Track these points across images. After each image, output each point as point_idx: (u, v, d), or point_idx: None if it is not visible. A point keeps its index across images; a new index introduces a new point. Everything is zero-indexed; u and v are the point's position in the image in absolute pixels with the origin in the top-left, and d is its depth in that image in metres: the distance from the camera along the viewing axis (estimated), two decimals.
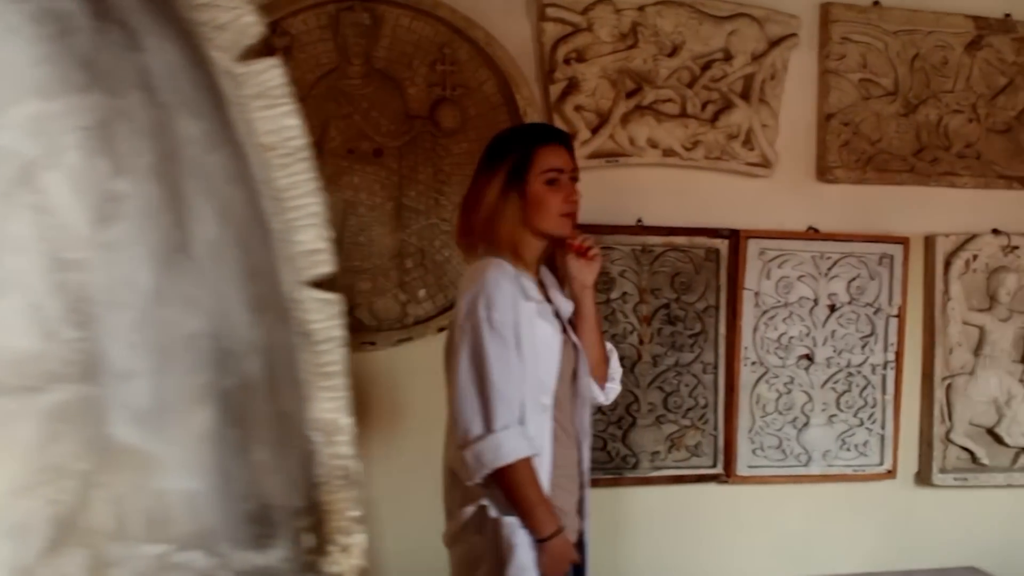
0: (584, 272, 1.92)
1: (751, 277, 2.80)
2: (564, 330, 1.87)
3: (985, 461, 3.00)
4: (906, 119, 2.94)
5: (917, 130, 2.95)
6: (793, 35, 2.82)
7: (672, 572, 2.81)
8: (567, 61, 2.66)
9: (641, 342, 2.75)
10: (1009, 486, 3.04)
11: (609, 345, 2.02)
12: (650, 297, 2.75)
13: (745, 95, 2.79)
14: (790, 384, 2.85)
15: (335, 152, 2.54)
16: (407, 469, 2.60)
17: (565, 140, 1.92)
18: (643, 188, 2.76)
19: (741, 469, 2.81)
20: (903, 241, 2.91)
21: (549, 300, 1.89)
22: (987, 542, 3.05)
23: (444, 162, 2.61)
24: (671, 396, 2.76)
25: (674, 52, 2.73)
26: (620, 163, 2.71)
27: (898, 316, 2.92)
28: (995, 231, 3.04)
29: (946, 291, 2.96)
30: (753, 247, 2.80)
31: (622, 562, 2.77)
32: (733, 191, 2.82)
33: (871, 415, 2.91)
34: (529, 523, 1.73)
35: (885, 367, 2.91)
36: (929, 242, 2.99)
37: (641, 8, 2.70)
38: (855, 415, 2.90)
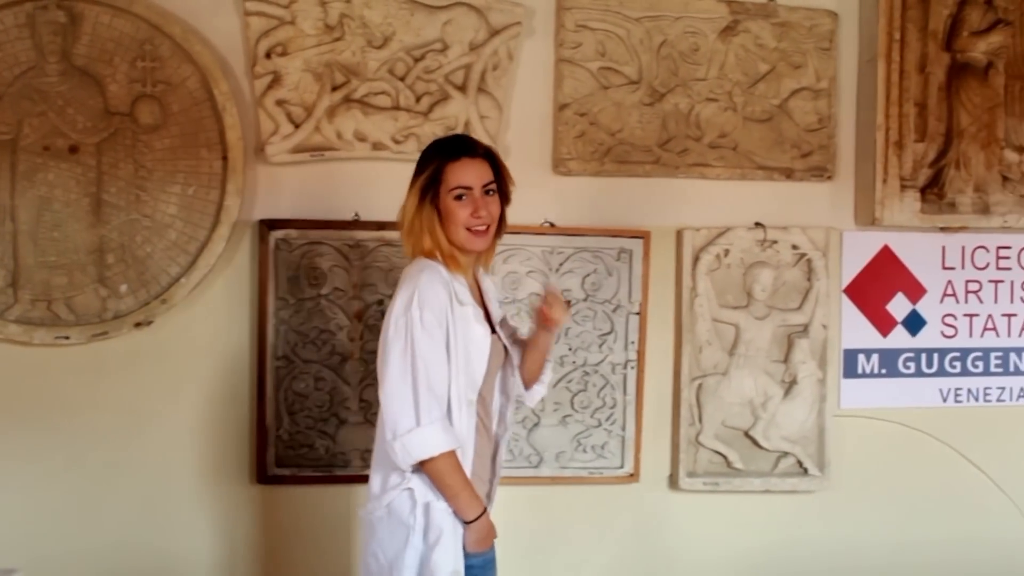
0: (546, 328, 2.13)
1: None
2: (493, 331, 2.04)
3: (739, 465, 2.88)
4: (651, 108, 2.85)
5: (664, 120, 2.86)
6: (517, 24, 2.73)
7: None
8: (268, 55, 2.64)
9: (352, 339, 2.71)
10: (767, 492, 2.90)
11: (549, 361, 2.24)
12: (363, 293, 2.70)
13: (464, 86, 2.71)
14: None
15: (29, 149, 2.59)
16: (106, 464, 2.62)
17: (481, 153, 2.01)
18: (360, 183, 2.75)
19: None
20: (643, 235, 2.82)
21: (484, 302, 2.07)
22: (740, 549, 2.92)
23: (146, 158, 2.63)
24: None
25: (384, 44, 2.68)
26: (327, 157, 2.70)
27: (639, 314, 2.80)
28: (758, 224, 2.90)
29: (694, 287, 2.84)
30: None
31: (337, 561, 2.73)
32: None
33: (610, 416, 2.82)
34: (456, 507, 1.91)
35: (626, 366, 2.81)
36: (679, 236, 2.86)
37: (348, 0, 2.65)
38: (592, 416, 2.80)
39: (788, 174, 2.94)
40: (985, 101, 3.02)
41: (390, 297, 2.63)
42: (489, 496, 2.08)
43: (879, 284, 3.04)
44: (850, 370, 3.02)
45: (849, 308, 3.02)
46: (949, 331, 3.10)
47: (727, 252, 2.90)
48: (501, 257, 2.80)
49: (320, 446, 2.73)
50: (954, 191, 3.00)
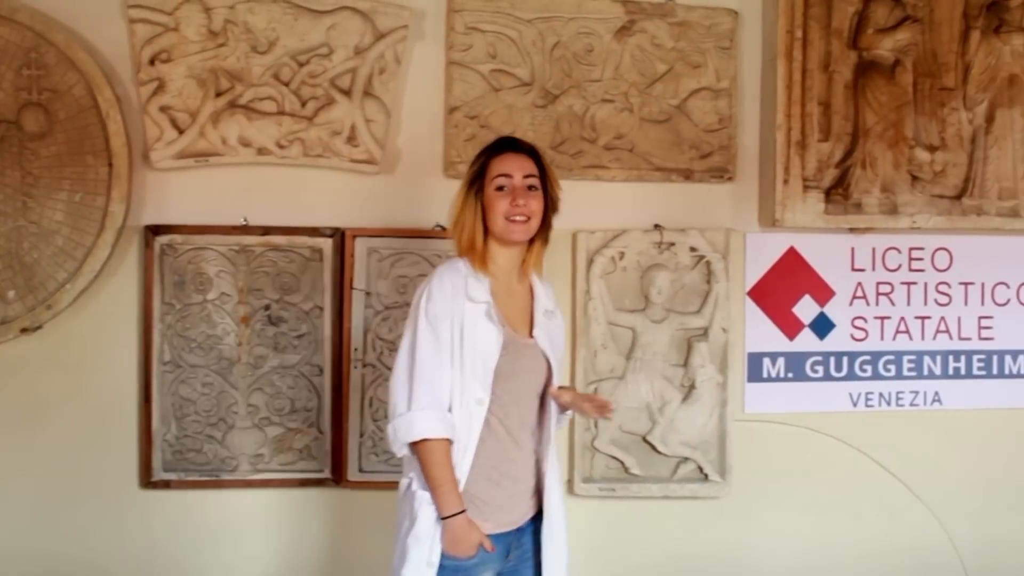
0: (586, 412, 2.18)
1: (360, 277, 2.73)
2: (531, 334, 2.08)
3: (637, 471, 2.85)
4: (544, 110, 2.83)
5: (557, 122, 2.84)
6: (403, 27, 2.73)
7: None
8: (152, 62, 2.66)
9: (239, 343, 2.70)
10: (666, 497, 2.86)
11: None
12: (250, 298, 2.70)
13: (350, 91, 2.70)
14: None
15: None
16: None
17: (522, 149, 2.09)
18: (247, 188, 2.76)
19: (352, 474, 2.76)
20: None
21: (531, 308, 2.11)
22: (640, 556, 2.88)
23: (32, 165, 2.66)
24: (275, 398, 2.71)
25: (268, 49, 2.68)
26: (212, 163, 2.71)
27: None
28: (657, 226, 2.86)
29: (588, 290, 2.82)
30: (361, 246, 2.73)
31: (221, 565, 2.74)
32: (345, 188, 2.78)
33: None
34: (435, 499, 1.95)
35: None
36: (575, 239, 2.83)
37: (232, 6, 2.66)
38: None
39: (687, 175, 2.91)
40: (892, 99, 2.96)
41: (277, 302, 2.67)
42: (520, 507, 2.05)
43: (785, 286, 3.00)
44: (755, 374, 2.98)
45: (753, 311, 2.98)
46: (859, 334, 3.04)
47: (622, 255, 2.87)
48: (389, 261, 2.79)
49: (208, 450, 2.74)
50: (860, 191, 2.95)
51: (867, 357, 3.05)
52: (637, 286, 2.89)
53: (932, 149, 3.01)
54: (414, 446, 1.95)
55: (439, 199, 2.81)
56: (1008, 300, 3.12)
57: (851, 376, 3.04)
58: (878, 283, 3.06)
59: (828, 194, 2.95)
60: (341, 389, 2.76)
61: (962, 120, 3.04)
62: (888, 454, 3.06)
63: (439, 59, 2.83)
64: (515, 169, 2.04)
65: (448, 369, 1.96)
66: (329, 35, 2.74)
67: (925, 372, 3.08)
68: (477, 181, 2.06)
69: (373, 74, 2.76)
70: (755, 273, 2.98)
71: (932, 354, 3.09)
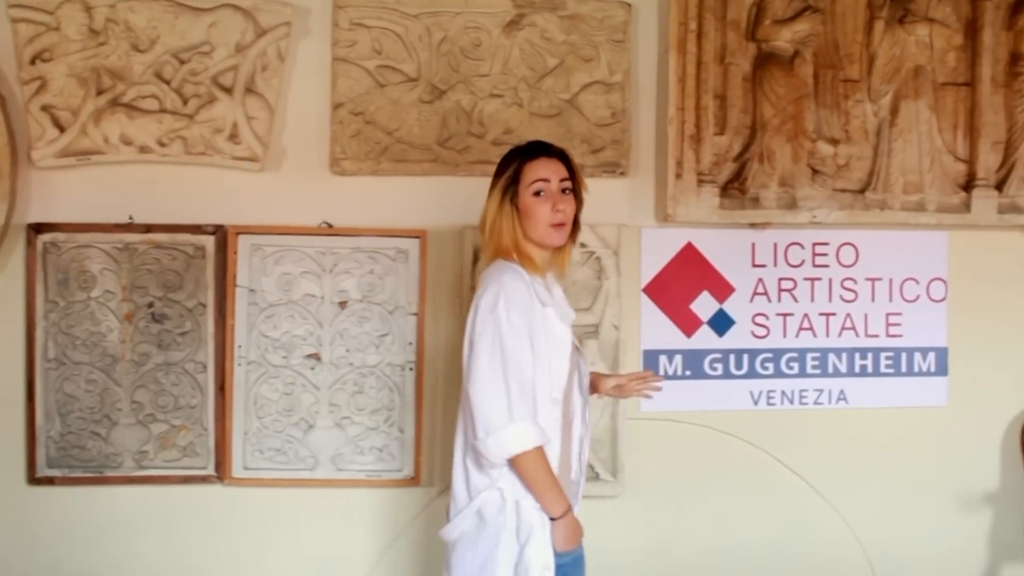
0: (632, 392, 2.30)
1: (243, 274, 2.74)
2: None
3: None
4: (430, 106, 2.81)
5: (444, 117, 2.82)
6: (286, 24, 2.72)
7: (164, 574, 2.76)
8: (34, 61, 2.69)
9: (123, 341, 2.71)
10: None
11: None
12: (133, 295, 2.71)
13: (231, 88, 2.70)
14: (295, 384, 2.76)
15: None
16: None
17: (554, 153, 2.12)
18: (131, 186, 2.78)
19: (237, 471, 2.76)
20: (419, 235, 2.78)
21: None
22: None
23: None
24: (159, 395, 2.73)
25: (149, 47, 2.69)
26: (94, 161, 2.73)
27: (417, 314, 2.77)
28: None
29: (474, 287, 2.77)
30: (244, 243, 2.74)
31: (111, 562, 2.75)
32: (229, 186, 2.79)
33: (388, 418, 2.78)
34: (544, 503, 1.98)
35: (404, 368, 2.77)
36: (463, 235, 2.81)
37: (113, 5, 2.68)
38: (370, 418, 2.77)
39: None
40: (791, 92, 2.91)
41: (160, 299, 2.67)
42: (575, 495, 2.13)
43: (682, 283, 2.96)
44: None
45: (649, 307, 2.94)
46: (760, 331, 2.99)
47: None
48: (274, 258, 2.79)
49: (92, 447, 2.76)
50: (757, 186, 2.90)
51: (769, 355, 3.00)
52: None
53: (835, 142, 2.95)
54: (515, 457, 1.95)
55: (325, 196, 2.84)
56: (917, 296, 3.05)
57: (752, 374, 2.99)
58: (780, 279, 3.00)
59: (725, 188, 2.91)
60: (224, 386, 2.76)
61: (867, 112, 2.98)
62: (792, 453, 3.01)
63: (325, 55, 2.83)
64: (551, 174, 2.07)
65: (533, 374, 1.98)
66: (210, 33, 2.75)
67: (830, 370, 3.02)
68: (511, 186, 2.08)
69: (255, 71, 2.76)
70: (651, 269, 2.95)
71: (837, 352, 3.03)
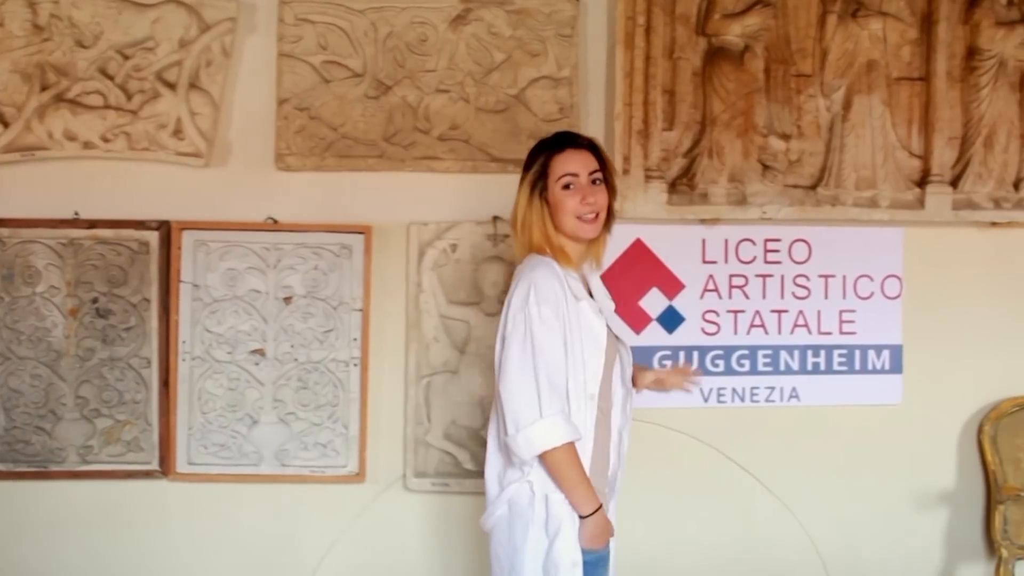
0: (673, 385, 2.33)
1: (187, 269, 2.74)
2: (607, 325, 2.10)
3: (470, 466, 2.81)
4: (376, 102, 2.80)
5: (390, 113, 2.81)
6: (230, 19, 2.73)
7: (111, 569, 2.77)
8: None
9: (68, 336, 2.72)
10: None
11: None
12: (78, 291, 2.72)
13: (175, 84, 2.71)
14: (239, 380, 2.76)
15: None
16: None
17: (583, 144, 2.11)
18: (76, 182, 2.79)
19: (181, 466, 2.77)
20: (364, 231, 2.78)
21: (591, 296, 2.12)
22: (478, 552, 2.84)
23: None
24: (104, 390, 2.73)
25: (94, 43, 2.70)
26: (39, 157, 2.74)
27: (361, 310, 2.76)
28: (496, 218, 2.82)
29: (419, 283, 2.78)
30: (188, 239, 2.75)
31: (55, 557, 2.76)
32: (174, 181, 2.80)
33: (332, 414, 2.78)
34: (573, 500, 1.97)
35: (349, 364, 2.76)
36: (406, 231, 2.81)
37: (57, 1, 2.69)
38: (315, 413, 2.77)
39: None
40: (741, 87, 2.89)
41: (105, 295, 2.68)
42: (612, 489, 2.13)
43: (631, 279, 2.95)
44: None
45: None
46: (711, 328, 2.97)
47: (455, 247, 2.84)
48: (218, 253, 2.79)
49: (37, 442, 2.78)
50: (706, 181, 2.88)
51: (719, 352, 2.98)
52: (472, 279, 2.85)
53: (787, 137, 2.93)
54: (546, 452, 1.94)
55: (270, 191, 2.83)
56: (872, 293, 3.02)
57: (703, 371, 2.96)
58: (731, 276, 2.98)
59: (674, 184, 2.89)
60: (168, 382, 2.77)
61: (819, 107, 2.95)
62: (744, 451, 2.99)
63: (270, 51, 2.83)
64: (580, 167, 2.06)
65: (565, 369, 1.97)
66: (154, 28, 2.75)
67: (782, 367, 2.99)
68: (540, 180, 2.06)
69: (200, 67, 2.77)
70: None
71: (789, 349, 3.00)
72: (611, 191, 2.12)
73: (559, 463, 1.93)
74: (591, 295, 2.12)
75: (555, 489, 1.97)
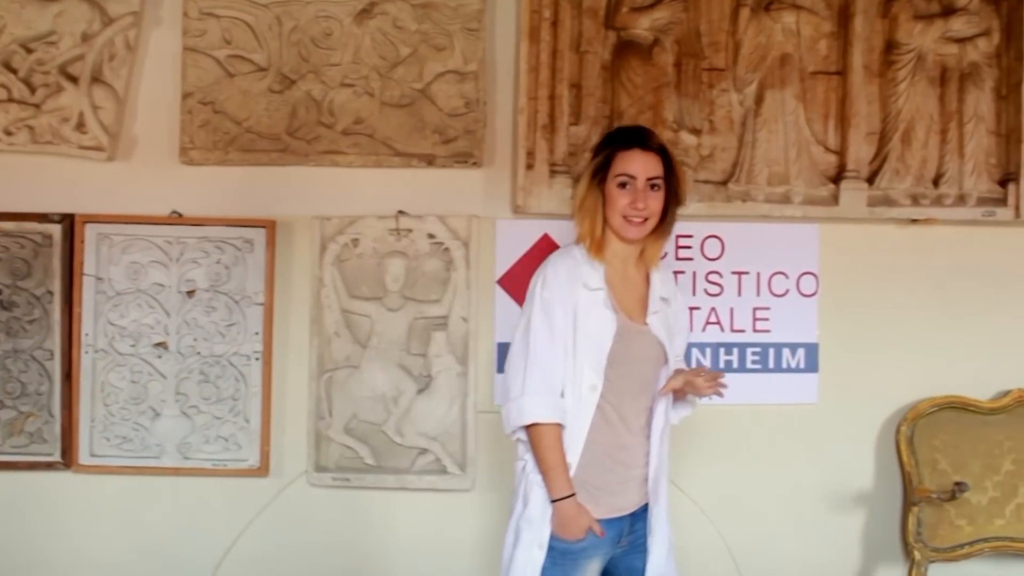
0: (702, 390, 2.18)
1: (91, 262, 2.76)
2: (645, 320, 2.11)
3: (371, 461, 2.81)
4: (280, 96, 2.81)
5: (294, 107, 2.81)
6: (133, 13, 2.74)
7: (13, 559, 2.80)
8: None
9: None
10: (403, 489, 2.81)
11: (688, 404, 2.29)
12: None
13: (78, 78, 2.73)
14: (142, 373, 2.78)
15: None
16: None
17: (654, 148, 2.10)
18: None
19: (84, 458, 2.80)
20: (266, 225, 2.78)
21: (646, 296, 2.13)
22: (378, 546, 2.84)
23: None
24: (7, 382, 2.76)
25: None
26: None
27: (263, 304, 2.77)
28: (401, 212, 2.82)
29: (321, 277, 2.78)
30: (92, 232, 2.77)
31: None
32: (78, 175, 2.82)
33: (234, 407, 2.79)
34: (546, 482, 2.02)
35: (251, 358, 2.77)
36: (310, 225, 2.80)
37: None
38: (217, 407, 2.79)
39: (429, 161, 2.85)
40: (649, 81, 2.87)
41: (8, 287, 2.70)
42: (655, 494, 2.10)
43: None
44: (504, 364, 2.89)
45: (504, 300, 2.92)
46: None
47: (357, 241, 2.83)
48: (121, 247, 2.80)
49: None
50: None
51: None
52: (375, 273, 2.84)
53: (698, 132, 2.89)
54: (527, 430, 2.02)
55: (174, 185, 2.85)
56: (787, 291, 2.98)
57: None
58: None
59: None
60: (71, 374, 2.79)
61: (732, 102, 2.92)
62: None
63: (176, 45, 2.85)
64: (640, 170, 2.07)
65: (561, 355, 2.01)
66: (57, 22, 2.78)
67: (693, 365, 2.95)
68: (601, 172, 2.09)
69: (103, 61, 2.79)
70: (506, 261, 2.91)
71: (701, 346, 2.97)
72: (674, 198, 2.12)
73: (538, 443, 2.00)
74: (646, 295, 2.12)
75: (535, 469, 2.03)
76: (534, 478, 2.03)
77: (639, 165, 2.06)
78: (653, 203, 2.07)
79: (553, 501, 2.00)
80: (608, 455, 2.05)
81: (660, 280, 2.18)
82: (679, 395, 2.19)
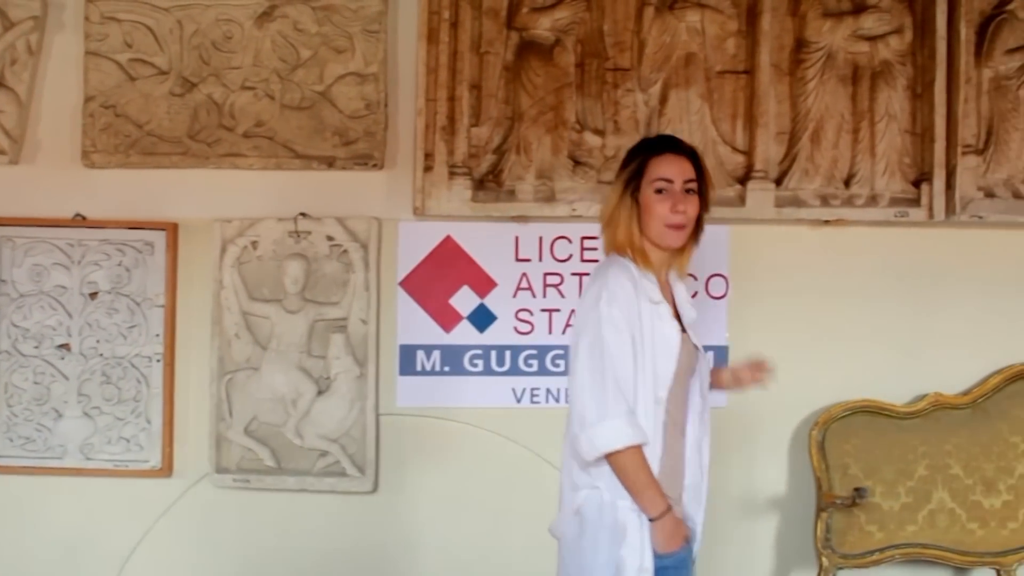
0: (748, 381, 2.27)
1: None
2: (684, 330, 2.08)
3: (271, 463, 2.83)
4: (181, 99, 2.83)
5: (195, 110, 2.83)
6: (33, 18, 2.77)
7: None
8: None
9: None
10: (304, 491, 2.81)
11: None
12: None
13: None
14: (45, 374, 2.82)
15: None
16: None
17: (683, 151, 2.08)
18: None
19: None
20: (166, 227, 2.80)
21: (673, 302, 2.11)
22: (281, 548, 2.85)
23: None
24: None
25: None
26: None
27: (164, 306, 2.79)
28: (303, 214, 2.83)
29: (220, 279, 2.80)
30: None
31: None
32: None
33: (135, 409, 2.82)
34: (640, 504, 1.95)
35: (152, 359, 2.79)
36: (210, 228, 2.82)
37: None
38: (119, 408, 2.82)
39: (330, 163, 2.86)
40: (550, 81, 2.85)
41: None
42: (698, 500, 2.10)
43: (441, 277, 2.93)
44: (408, 367, 2.91)
45: (406, 302, 2.92)
46: (524, 327, 2.94)
47: (256, 244, 2.84)
48: (24, 249, 2.83)
49: None
50: (513, 178, 2.85)
51: (533, 351, 2.94)
52: (275, 275, 2.85)
53: (602, 133, 2.87)
54: (611, 454, 1.93)
55: (77, 188, 2.88)
56: (695, 293, 2.94)
57: (515, 371, 2.93)
58: (546, 274, 2.94)
59: (481, 181, 2.85)
60: None
61: (637, 102, 2.89)
62: (558, 452, 2.92)
63: (78, 49, 2.88)
64: (676, 173, 2.03)
65: (633, 371, 1.95)
66: None
67: None
68: (634, 180, 2.04)
69: (4, 65, 2.83)
70: (408, 263, 2.91)
71: None
72: (704, 202, 2.08)
73: (625, 465, 1.92)
74: (674, 302, 2.09)
75: (622, 495, 1.95)
76: (622, 504, 1.95)
77: (675, 168, 2.02)
78: (691, 207, 2.02)
79: (653, 519, 1.94)
80: (675, 463, 2.04)
81: (683, 288, 2.15)
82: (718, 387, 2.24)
